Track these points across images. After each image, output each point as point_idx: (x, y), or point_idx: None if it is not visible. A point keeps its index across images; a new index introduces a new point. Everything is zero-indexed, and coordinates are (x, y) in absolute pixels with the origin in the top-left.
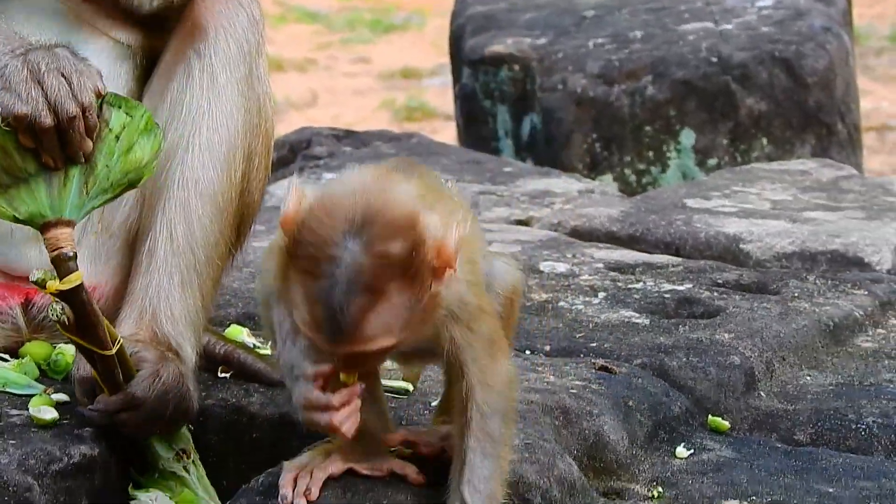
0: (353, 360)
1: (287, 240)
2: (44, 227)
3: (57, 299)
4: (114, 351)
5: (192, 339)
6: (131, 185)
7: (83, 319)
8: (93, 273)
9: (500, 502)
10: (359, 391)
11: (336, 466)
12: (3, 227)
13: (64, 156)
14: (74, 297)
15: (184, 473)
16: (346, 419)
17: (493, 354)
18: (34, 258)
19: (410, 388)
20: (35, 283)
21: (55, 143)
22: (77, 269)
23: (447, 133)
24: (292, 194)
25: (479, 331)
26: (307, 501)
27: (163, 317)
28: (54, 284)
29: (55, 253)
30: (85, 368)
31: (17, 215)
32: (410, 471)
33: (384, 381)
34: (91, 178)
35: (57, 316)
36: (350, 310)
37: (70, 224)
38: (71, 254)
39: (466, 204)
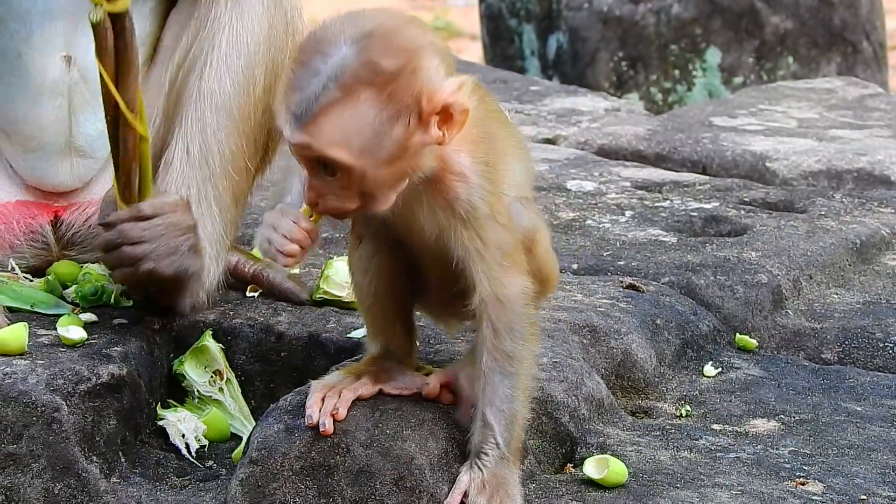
0: (317, 180)
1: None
2: None
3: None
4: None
5: (209, 250)
6: None
7: (120, 51)
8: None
9: (524, 420)
10: (314, 228)
11: (366, 389)
12: (36, 142)
13: None
14: (118, 23)
15: (219, 396)
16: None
17: (505, 268)
18: (65, 173)
19: None
20: None
21: None
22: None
23: (473, 53)
24: None
25: (489, 241)
26: (334, 421)
27: None
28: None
29: None
30: (111, 193)
31: None
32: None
33: None
34: None
35: (96, 18)
36: (318, 99)
37: None
38: None
39: (523, 142)
